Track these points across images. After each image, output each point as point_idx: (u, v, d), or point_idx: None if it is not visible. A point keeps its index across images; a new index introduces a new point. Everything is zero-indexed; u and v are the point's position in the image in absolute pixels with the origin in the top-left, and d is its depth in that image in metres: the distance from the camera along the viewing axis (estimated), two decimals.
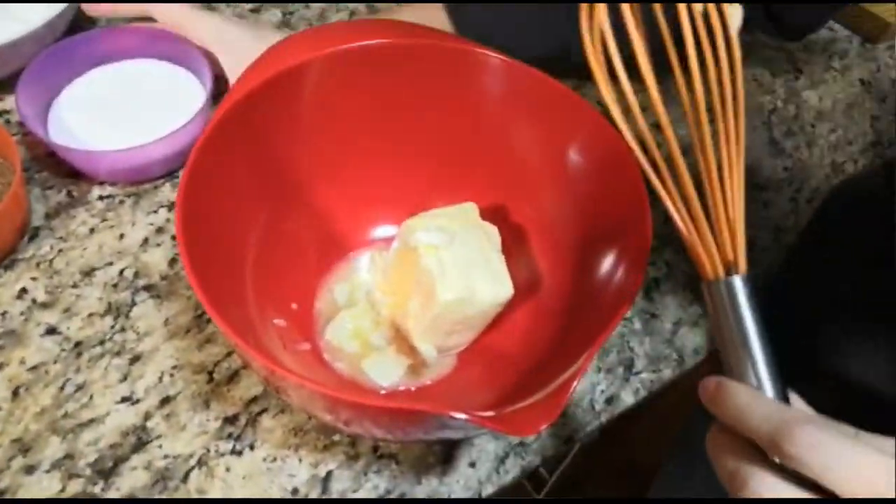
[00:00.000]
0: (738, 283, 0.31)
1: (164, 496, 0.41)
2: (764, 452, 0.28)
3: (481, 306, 0.42)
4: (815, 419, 0.28)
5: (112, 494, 0.41)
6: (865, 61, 0.71)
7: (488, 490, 0.44)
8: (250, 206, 0.45)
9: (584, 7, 0.32)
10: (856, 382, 0.41)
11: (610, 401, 0.48)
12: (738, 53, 0.31)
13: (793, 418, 0.27)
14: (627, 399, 0.48)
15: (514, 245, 0.49)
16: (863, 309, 0.41)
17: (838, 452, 0.26)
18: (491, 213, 0.50)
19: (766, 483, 0.27)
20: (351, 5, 0.68)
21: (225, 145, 0.42)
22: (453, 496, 0.43)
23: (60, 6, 0.54)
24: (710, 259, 0.32)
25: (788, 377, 0.31)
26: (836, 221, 0.47)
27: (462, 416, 0.29)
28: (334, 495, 0.42)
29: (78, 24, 0.60)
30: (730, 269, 0.31)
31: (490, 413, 0.30)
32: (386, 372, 0.44)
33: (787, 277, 0.51)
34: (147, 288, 0.49)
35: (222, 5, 0.66)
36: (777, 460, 0.28)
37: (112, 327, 0.47)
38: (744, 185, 0.32)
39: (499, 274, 0.43)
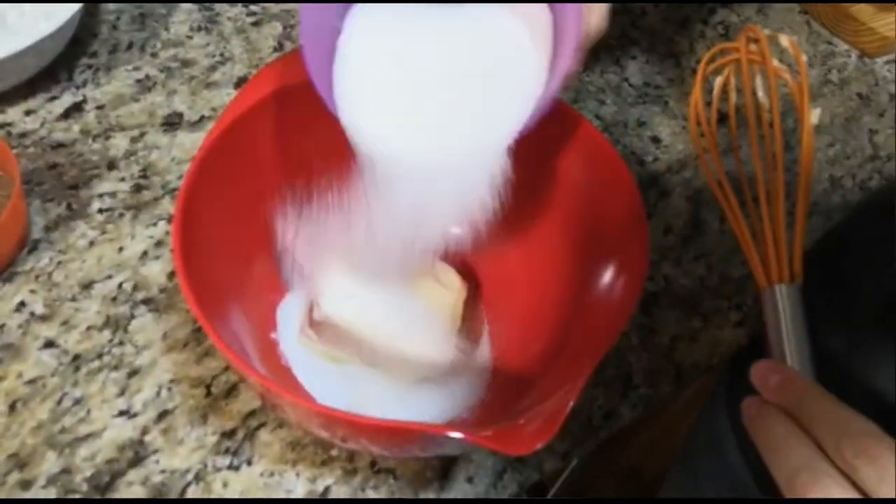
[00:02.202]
0: (793, 291, 0.38)
1: None
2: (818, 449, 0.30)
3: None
4: (876, 432, 0.29)
5: None
6: (864, 75, 0.71)
7: None
8: (249, 219, 0.45)
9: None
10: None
11: (608, 416, 0.48)
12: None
13: (858, 429, 0.29)
14: (625, 414, 0.48)
15: (512, 258, 0.49)
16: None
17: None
18: (487, 231, 0.50)
19: (836, 486, 0.29)
20: None
21: (223, 159, 0.42)
22: None
23: (63, 18, 0.54)
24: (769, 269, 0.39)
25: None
26: (864, 236, 0.45)
27: (458, 434, 0.29)
28: None
29: (79, 36, 0.61)
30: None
31: (486, 432, 0.30)
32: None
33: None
34: (146, 301, 0.49)
35: (224, 18, 0.67)
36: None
37: (110, 341, 0.47)
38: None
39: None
